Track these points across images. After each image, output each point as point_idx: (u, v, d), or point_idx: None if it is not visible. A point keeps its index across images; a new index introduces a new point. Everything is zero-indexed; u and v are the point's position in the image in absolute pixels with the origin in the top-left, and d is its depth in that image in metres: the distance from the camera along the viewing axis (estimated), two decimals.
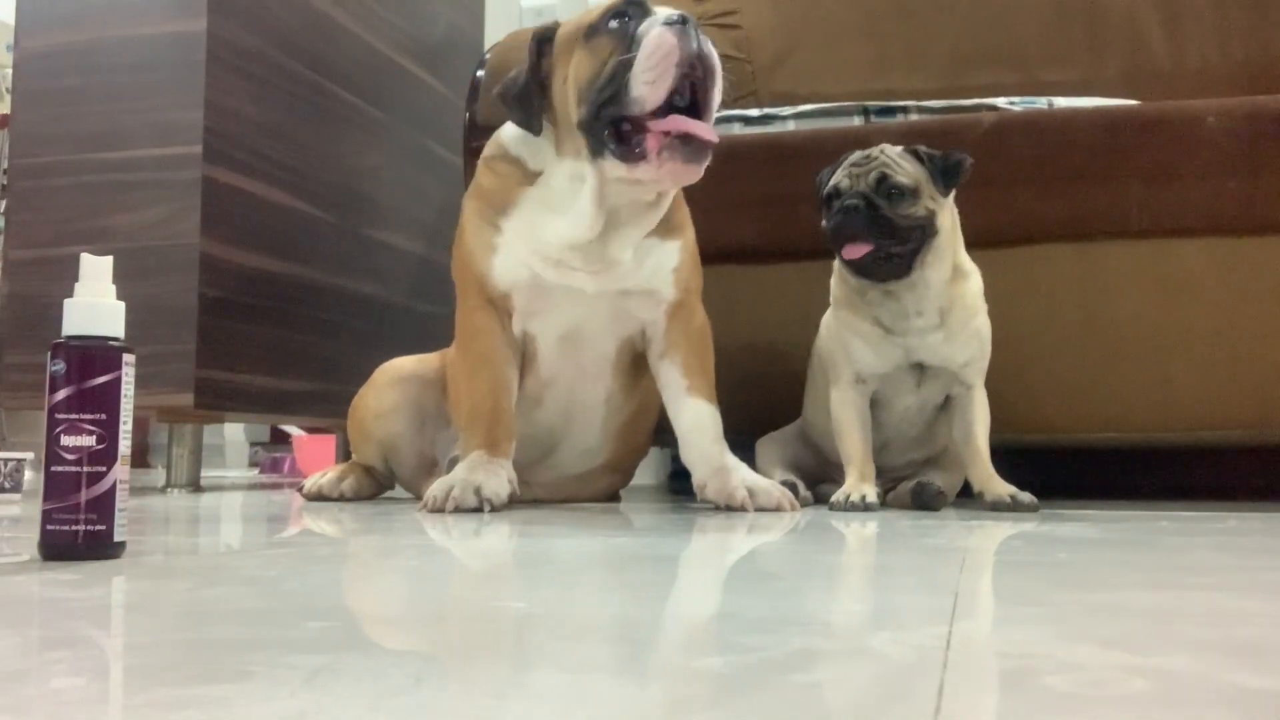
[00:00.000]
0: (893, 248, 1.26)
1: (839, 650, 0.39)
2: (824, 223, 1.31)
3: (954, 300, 1.30)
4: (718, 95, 1.13)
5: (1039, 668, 0.36)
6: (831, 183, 1.30)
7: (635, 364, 1.33)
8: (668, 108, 1.11)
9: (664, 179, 1.14)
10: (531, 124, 1.21)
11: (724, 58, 2.29)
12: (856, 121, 1.67)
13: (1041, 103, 1.63)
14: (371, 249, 2.08)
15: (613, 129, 1.14)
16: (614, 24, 1.15)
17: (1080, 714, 0.30)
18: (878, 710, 0.31)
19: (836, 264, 1.38)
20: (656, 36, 1.10)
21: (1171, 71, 2.11)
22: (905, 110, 1.66)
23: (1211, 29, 2.11)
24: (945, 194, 1.29)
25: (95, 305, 0.70)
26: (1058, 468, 2.02)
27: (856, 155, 1.31)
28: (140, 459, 3.75)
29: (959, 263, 1.32)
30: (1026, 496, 1.26)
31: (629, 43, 1.12)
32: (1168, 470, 2.07)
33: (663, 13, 1.13)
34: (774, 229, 1.62)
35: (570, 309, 1.25)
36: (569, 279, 1.22)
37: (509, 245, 1.23)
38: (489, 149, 1.29)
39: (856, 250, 1.26)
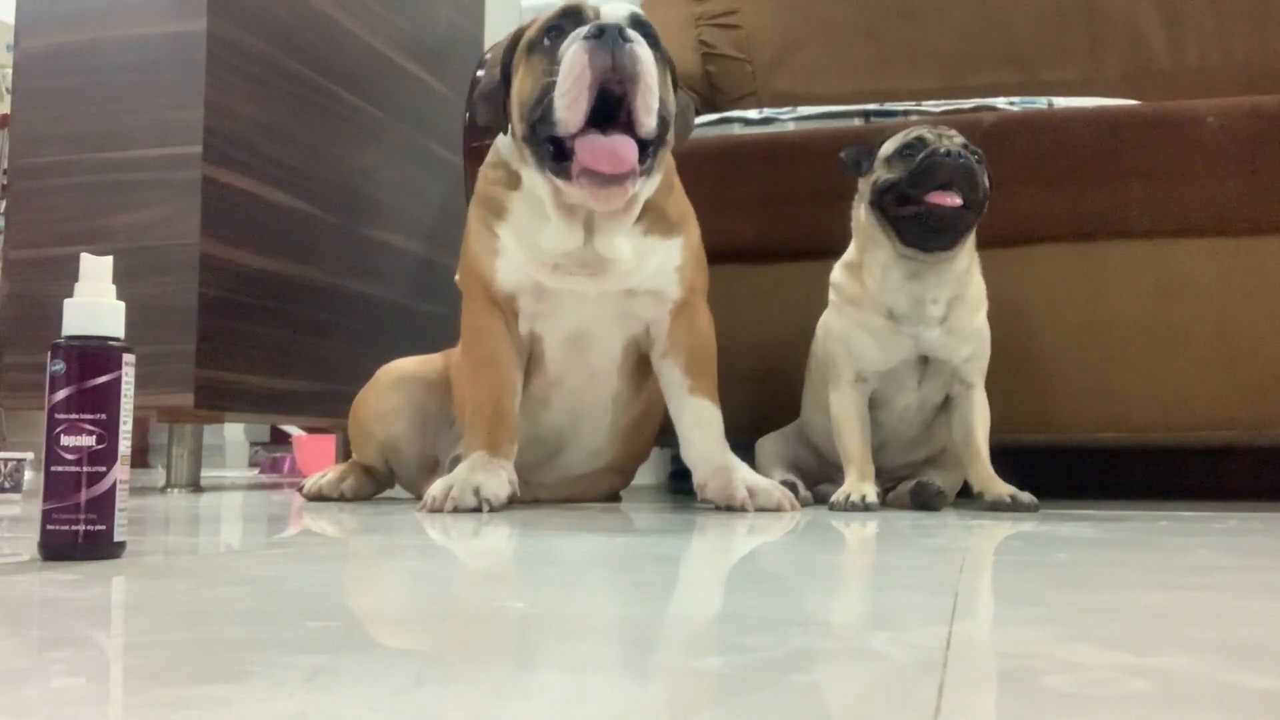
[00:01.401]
0: (967, 212, 1.27)
1: (839, 650, 0.39)
2: (883, 176, 1.30)
3: (964, 289, 1.31)
4: (646, 100, 1.09)
5: (1039, 668, 0.36)
6: (905, 139, 1.31)
7: (642, 364, 1.33)
8: (599, 120, 1.09)
9: (589, 203, 1.13)
10: (499, 122, 1.22)
11: (724, 58, 2.32)
12: (856, 124, 1.67)
13: (1041, 103, 1.63)
14: (371, 249, 2.08)
15: (551, 145, 1.13)
16: (547, 41, 1.14)
17: (1080, 714, 0.30)
18: (878, 710, 0.31)
19: (844, 260, 1.38)
20: (570, 57, 1.08)
21: (1171, 71, 2.11)
22: (905, 112, 1.66)
23: (1212, 29, 2.11)
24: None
25: (95, 305, 0.70)
26: (1058, 468, 2.02)
27: (914, 128, 1.33)
28: (140, 459, 3.75)
29: (973, 249, 1.34)
30: (1026, 496, 1.26)
31: (556, 61, 1.11)
32: (1168, 470, 2.07)
33: (585, 28, 1.10)
34: (774, 229, 1.62)
35: (575, 310, 1.25)
36: (570, 283, 1.22)
37: (509, 251, 1.23)
38: (488, 156, 1.30)
39: (948, 198, 1.25)
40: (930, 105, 1.67)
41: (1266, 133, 1.47)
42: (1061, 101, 1.63)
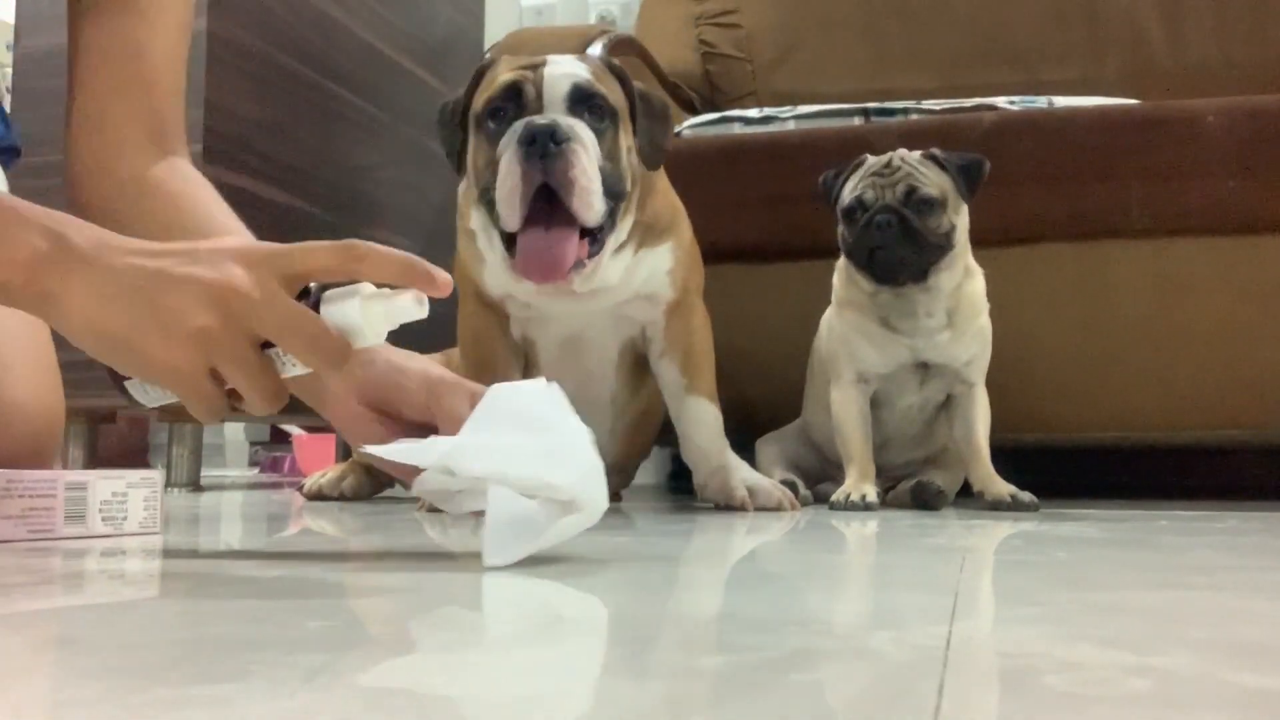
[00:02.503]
0: (919, 258, 1.26)
1: (839, 650, 0.39)
2: (844, 233, 1.31)
3: (961, 300, 1.31)
4: (584, 200, 1.07)
5: (1039, 667, 0.36)
6: (854, 194, 1.30)
7: (640, 364, 1.33)
8: (546, 202, 1.08)
9: (534, 294, 1.16)
10: (450, 157, 1.20)
11: (724, 57, 2.31)
12: (856, 123, 1.67)
13: (1041, 102, 1.63)
14: None
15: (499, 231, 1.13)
16: (492, 124, 1.13)
17: (1080, 714, 0.30)
18: (878, 710, 0.31)
19: (841, 263, 1.38)
20: (504, 164, 1.08)
21: (1172, 70, 2.11)
22: (905, 111, 1.66)
23: (1212, 28, 2.11)
24: (968, 200, 1.30)
25: None
26: (1058, 467, 2.02)
27: (874, 163, 1.31)
28: (140, 458, 3.75)
29: (968, 264, 1.33)
30: (1026, 496, 1.26)
31: (496, 157, 1.10)
32: (1168, 470, 2.07)
33: (520, 127, 1.08)
34: (774, 228, 1.62)
35: (567, 320, 1.25)
36: (557, 305, 1.22)
37: (492, 263, 1.21)
38: None
39: (888, 260, 1.27)
40: (930, 104, 1.67)
41: (1267, 132, 1.47)
42: (1062, 101, 1.63)
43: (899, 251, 1.26)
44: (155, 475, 0.85)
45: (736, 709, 0.30)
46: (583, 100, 1.11)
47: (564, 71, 1.12)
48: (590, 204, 1.08)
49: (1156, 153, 1.49)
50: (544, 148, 1.06)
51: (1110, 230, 1.51)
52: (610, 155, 1.12)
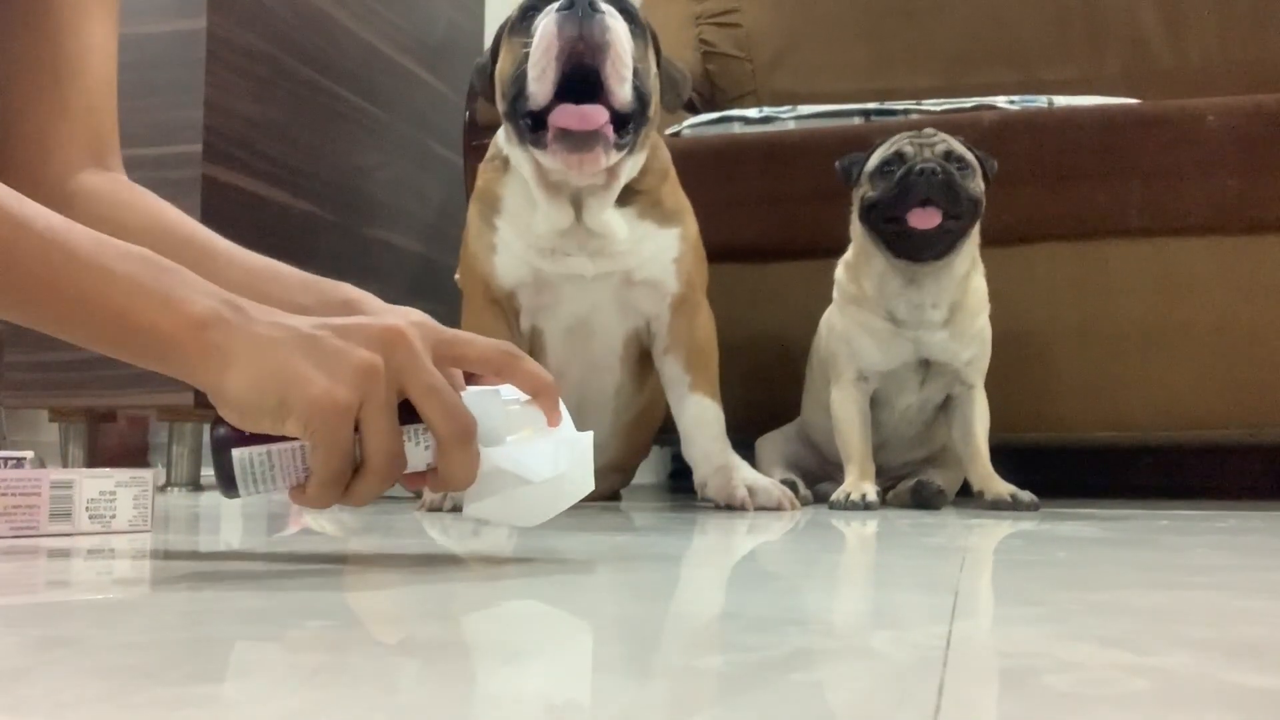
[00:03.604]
0: (954, 223, 1.26)
1: (839, 649, 0.39)
2: (871, 197, 1.30)
3: (965, 294, 1.31)
4: (617, 70, 1.09)
5: (1039, 667, 0.36)
6: (888, 152, 1.30)
7: (644, 359, 1.34)
8: (567, 93, 1.10)
9: (563, 170, 1.15)
10: (491, 100, 1.24)
11: (724, 56, 2.31)
12: (856, 123, 1.67)
13: (1041, 101, 1.63)
14: (371, 248, 2.08)
15: (530, 119, 1.15)
16: (524, 19, 1.16)
17: (1080, 713, 0.30)
18: (878, 709, 0.31)
19: (846, 259, 1.38)
20: (541, 30, 1.10)
21: (1172, 70, 2.11)
22: (905, 111, 1.66)
23: (1212, 27, 2.11)
24: (986, 184, 1.31)
25: None
26: (1057, 466, 2.02)
27: (906, 133, 1.32)
28: (140, 457, 3.75)
29: (975, 254, 1.33)
30: (1026, 495, 1.26)
31: (530, 35, 1.13)
32: (1168, 469, 2.07)
33: (558, 1, 1.11)
34: (773, 228, 1.62)
35: (575, 300, 1.26)
36: (568, 266, 1.23)
37: (507, 243, 1.24)
38: (488, 152, 1.30)
39: (927, 218, 1.25)
40: (930, 104, 1.67)
41: (1267, 132, 1.47)
42: (1062, 100, 1.63)
43: (943, 204, 1.25)
44: (146, 474, 0.85)
45: (737, 709, 0.30)
46: (618, 3, 1.14)
47: None
48: (622, 75, 1.10)
49: (1157, 152, 1.49)
50: (582, 11, 1.08)
51: (1110, 230, 1.51)
52: (640, 59, 1.15)
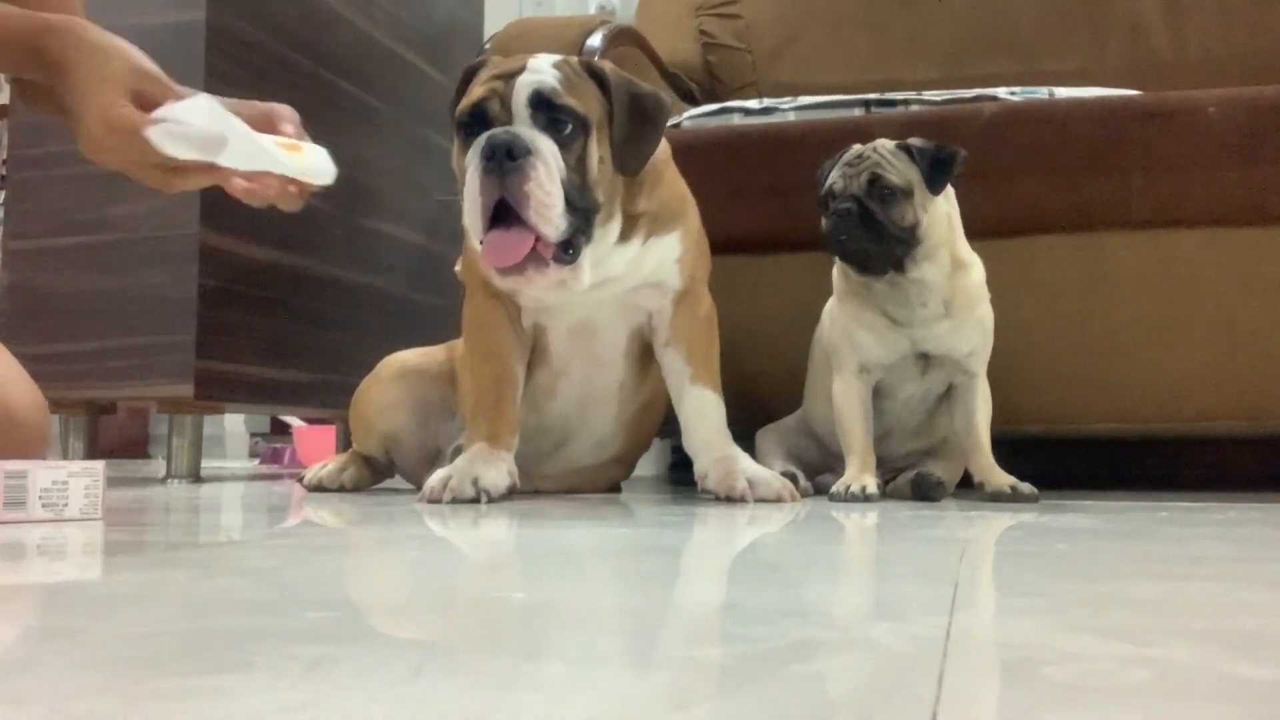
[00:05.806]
0: (882, 249, 1.26)
1: (839, 641, 0.39)
2: (823, 221, 1.31)
3: (956, 291, 1.30)
4: (541, 215, 1.09)
5: (1039, 658, 0.36)
6: (828, 182, 1.30)
7: (647, 352, 1.34)
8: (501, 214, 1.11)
9: (503, 282, 1.19)
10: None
11: (724, 48, 2.31)
12: (857, 114, 1.66)
13: (1042, 93, 1.63)
14: (371, 240, 2.08)
15: None
16: (465, 133, 1.15)
17: (1080, 704, 0.30)
18: (878, 700, 0.31)
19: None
20: (468, 179, 1.11)
21: (1173, 61, 2.11)
22: (906, 102, 1.66)
23: (1213, 18, 2.10)
24: (936, 193, 1.28)
25: None
26: (1058, 458, 2.02)
27: (852, 152, 1.31)
28: (140, 449, 3.75)
29: (958, 255, 1.31)
30: (1026, 487, 1.26)
31: (465, 166, 1.13)
32: (1168, 461, 2.07)
33: (483, 142, 1.10)
34: (775, 219, 1.61)
35: (577, 306, 1.26)
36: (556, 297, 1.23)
37: None
38: None
39: (852, 251, 1.27)
40: (931, 95, 1.67)
41: (1268, 123, 1.46)
42: (1062, 91, 1.63)
43: (859, 242, 1.25)
44: (97, 465, 0.90)
45: (738, 700, 0.30)
46: (548, 110, 1.13)
47: (532, 80, 1.13)
48: (547, 218, 1.10)
49: (1157, 143, 1.48)
50: (500, 164, 1.09)
51: (1111, 221, 1.50)
52: (577, 167, 1.13)
